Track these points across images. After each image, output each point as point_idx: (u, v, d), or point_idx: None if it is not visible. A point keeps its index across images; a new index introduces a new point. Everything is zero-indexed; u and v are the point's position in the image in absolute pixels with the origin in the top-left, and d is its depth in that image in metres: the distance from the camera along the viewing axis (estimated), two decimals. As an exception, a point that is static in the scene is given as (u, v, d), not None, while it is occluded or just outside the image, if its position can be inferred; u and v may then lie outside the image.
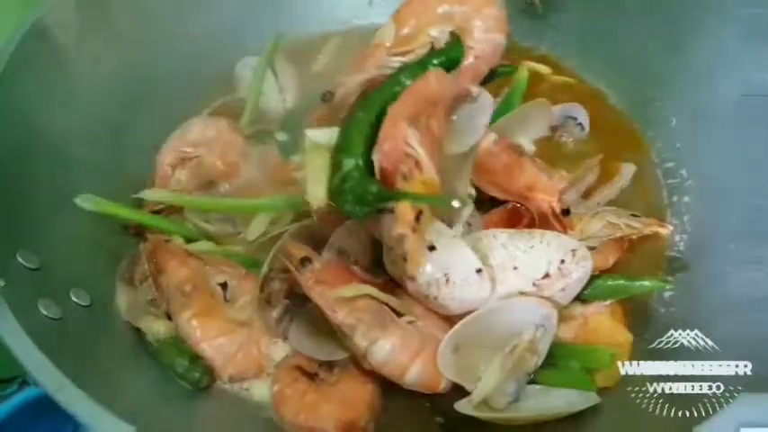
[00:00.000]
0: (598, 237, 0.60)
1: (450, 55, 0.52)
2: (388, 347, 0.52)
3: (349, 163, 0.47)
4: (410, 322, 0.54)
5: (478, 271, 0.52)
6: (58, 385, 0.41)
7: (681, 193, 0.66)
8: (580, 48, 0.79)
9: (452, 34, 0.54)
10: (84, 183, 0.62)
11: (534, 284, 0.54)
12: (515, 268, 0.54)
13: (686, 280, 0.60)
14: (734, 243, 0.58)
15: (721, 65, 0.64)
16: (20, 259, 0.51)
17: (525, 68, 0.75)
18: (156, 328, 0.57)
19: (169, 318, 0.58)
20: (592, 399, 0.52)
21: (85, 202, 0.59)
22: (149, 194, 0.66)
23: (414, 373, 0.52)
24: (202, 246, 0.62)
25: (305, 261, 0.55)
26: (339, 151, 0.48)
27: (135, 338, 0.57)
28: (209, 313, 0.58)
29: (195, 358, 0.56)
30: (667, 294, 0.60)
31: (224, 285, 0.61)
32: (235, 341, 0.57)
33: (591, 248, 0.58)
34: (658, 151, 0.70)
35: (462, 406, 0.52)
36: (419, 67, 0.51)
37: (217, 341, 0.57)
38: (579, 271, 0.54)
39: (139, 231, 0.65)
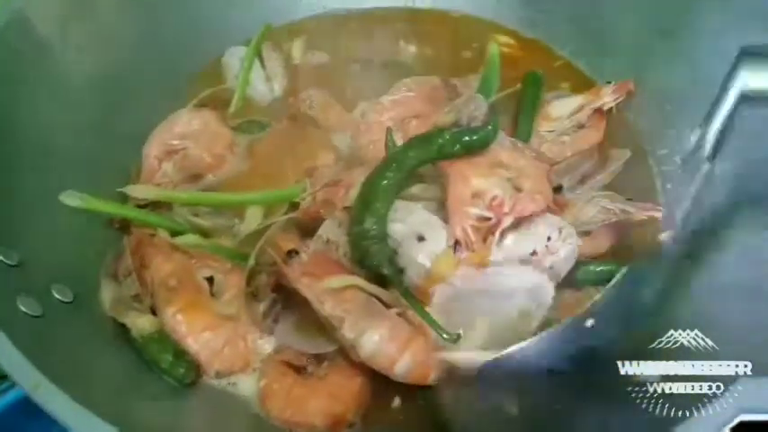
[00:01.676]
0: (593, 222, 0.60)
1: (481, 135, 0.55)
2: (376, 339, 0.51)
3: (370, 221, 0.53)
4: (399, 314, 0.54)
5: None
6: (33, 384, 0.41)
7: (675, 181, 0.65)
8: (574, 35, 0.79)
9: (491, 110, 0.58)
10: (67, 175, 0.61)
11: (521, 263, 0.54)
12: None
13: (680, 268, 0.58)
14: (729, 230, 0.57)
15: (715, 52, 0.62)
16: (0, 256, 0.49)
17: (495, 45, 0.78)
18: (140, 323, 0.55)
19: (153, 313, 0.57)
20: None
21: (69, 198, 0.57)
22: (136, 191, 0.65)
23: (403, 365, 0.52)
24: (188, 239, 0.61)
25: (292, 253, 0.55)
26: (364, 204, 0.53)
27: (119, 335, 0.56)
28: (195, 308, 0.57)
29: (180, 354, 0.55)
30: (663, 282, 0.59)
31: (210, 280, 0.60)
32: (221, 335, 0.56)
33: (585, 233, 0.59)
34: (652, 138, 0.69)
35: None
36: (450, 140, 0.55)
37: (203, 336, 0.56)
38: (566, 248, 0.55)
39: (124, 225, 0.64)
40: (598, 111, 0.68)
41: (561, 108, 0.68)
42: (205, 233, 0.64)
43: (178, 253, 0.60)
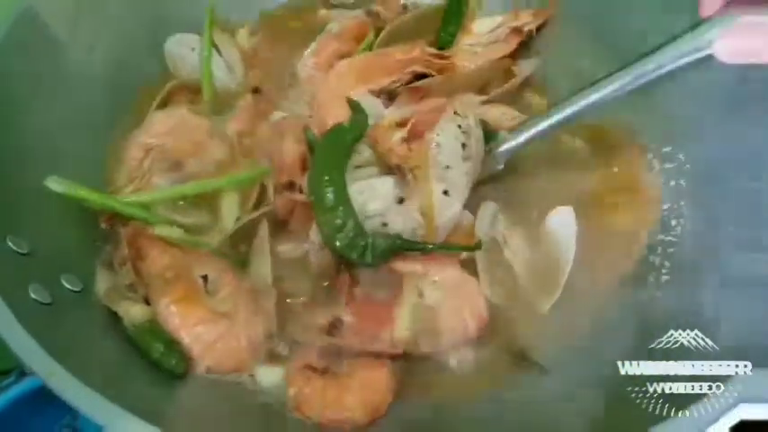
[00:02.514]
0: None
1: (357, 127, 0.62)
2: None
3: (350, 222, 0.55)
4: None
5: (445, 193, 0.59)
6: (48, 370, 0.41)
7: (679, 177, 0.65)
8: (576, 31, 0.78)
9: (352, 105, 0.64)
10: (76, 167, 0.61)
11: (464, 159, 0.61)
12: (447, 167, 0.60)
13: (684, 263, 0.60)
14: (732, 226, 0.57)
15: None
16: (10, 244, 0.50)
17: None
18: (133, 312, 0.55)
19: (147, 303, 0.57)
20: None
21: (54, 184, 0.55)
22: (115, 200, 0.61)
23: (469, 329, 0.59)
24: (172, 232, 0.59)
25: (336, 324, 0.56)
26: (333, 210, 0.56)
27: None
28: (190, 301, 0.56)
29: (172, 344, 0.54)
30: (664, 278, 0.60)
31: (205, 278, 0.59)
32: (214, 331, 0.55)
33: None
34: (656, 136, 0.68)
35: None
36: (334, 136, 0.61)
37: (196, 329, 0.55)
38: (474, 124, 0.63)
39: (113, 224, 0.62)
40: (515, 31, 0.75)
41: (483, 25, 0.76)
42: (192, 233, 0.62)
43: (175, 247, 0.59)
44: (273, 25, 0.85)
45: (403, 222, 0.59)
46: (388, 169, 0.62)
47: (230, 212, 0.63)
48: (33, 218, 0.54)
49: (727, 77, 0.60)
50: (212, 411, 0.54)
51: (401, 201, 0.59)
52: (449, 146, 0.61)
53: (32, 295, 0.48)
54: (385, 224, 0.58)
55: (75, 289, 0.53)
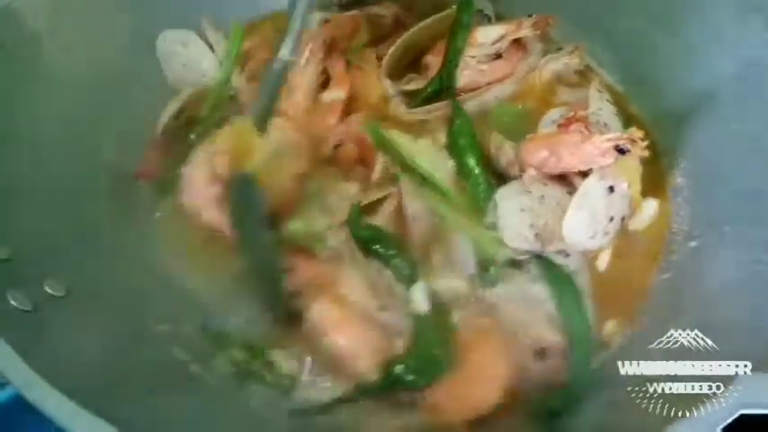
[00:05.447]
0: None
1: None
2: None
3: None
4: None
5: None
6: (27, 382, 0.40)
7: (674, 174, 0.65)
8: (575, 28, 0.78)
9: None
10: (57, 170, 0.60)
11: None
12: None
13: (680, 262, 0.60)
14: (729, 226, 0.57)
15: (716, 43, 0.63)
16: (-12, 250, 0.48)
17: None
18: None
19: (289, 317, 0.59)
20: None
21: None
22: None
23: None
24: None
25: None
26: None
27: (113, 330, 0.55)
28: (342, 303, 0.58)
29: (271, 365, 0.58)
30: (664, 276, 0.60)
31: None
32: (360, 328, 0.57)
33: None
34: (651, 131, 0.67)
35: None
36: None
37: (350, 332, 0.56)
38: None
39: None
40: (516, 42, 0.74)
41: (486, 35, 0.73)
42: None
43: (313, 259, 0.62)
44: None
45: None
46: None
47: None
48: (13, 222, 0.53)
49: (724, 74, 0.60)
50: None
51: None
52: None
53: (12, 302, 0.46)
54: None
55: (59, 294, 0.52)
